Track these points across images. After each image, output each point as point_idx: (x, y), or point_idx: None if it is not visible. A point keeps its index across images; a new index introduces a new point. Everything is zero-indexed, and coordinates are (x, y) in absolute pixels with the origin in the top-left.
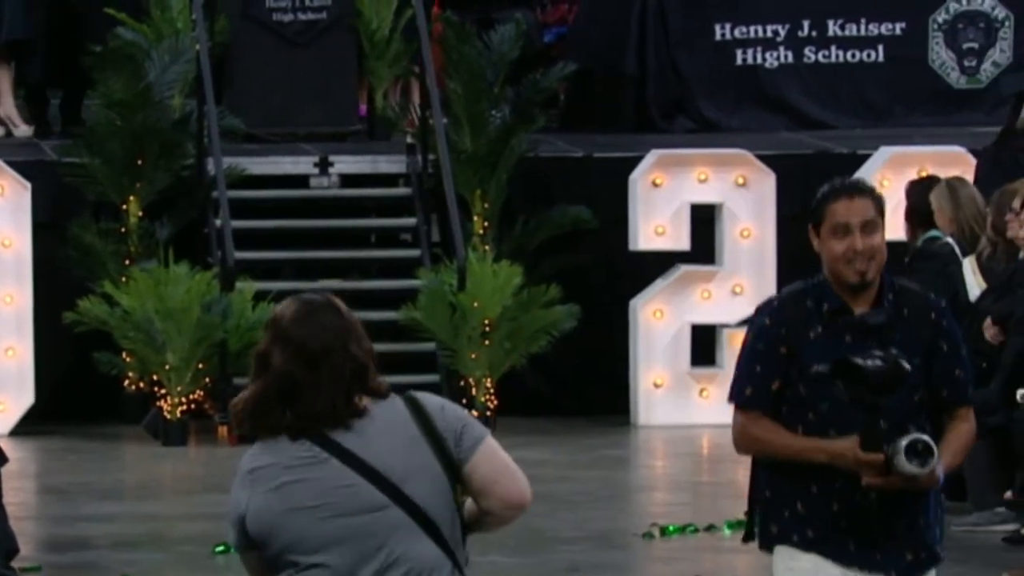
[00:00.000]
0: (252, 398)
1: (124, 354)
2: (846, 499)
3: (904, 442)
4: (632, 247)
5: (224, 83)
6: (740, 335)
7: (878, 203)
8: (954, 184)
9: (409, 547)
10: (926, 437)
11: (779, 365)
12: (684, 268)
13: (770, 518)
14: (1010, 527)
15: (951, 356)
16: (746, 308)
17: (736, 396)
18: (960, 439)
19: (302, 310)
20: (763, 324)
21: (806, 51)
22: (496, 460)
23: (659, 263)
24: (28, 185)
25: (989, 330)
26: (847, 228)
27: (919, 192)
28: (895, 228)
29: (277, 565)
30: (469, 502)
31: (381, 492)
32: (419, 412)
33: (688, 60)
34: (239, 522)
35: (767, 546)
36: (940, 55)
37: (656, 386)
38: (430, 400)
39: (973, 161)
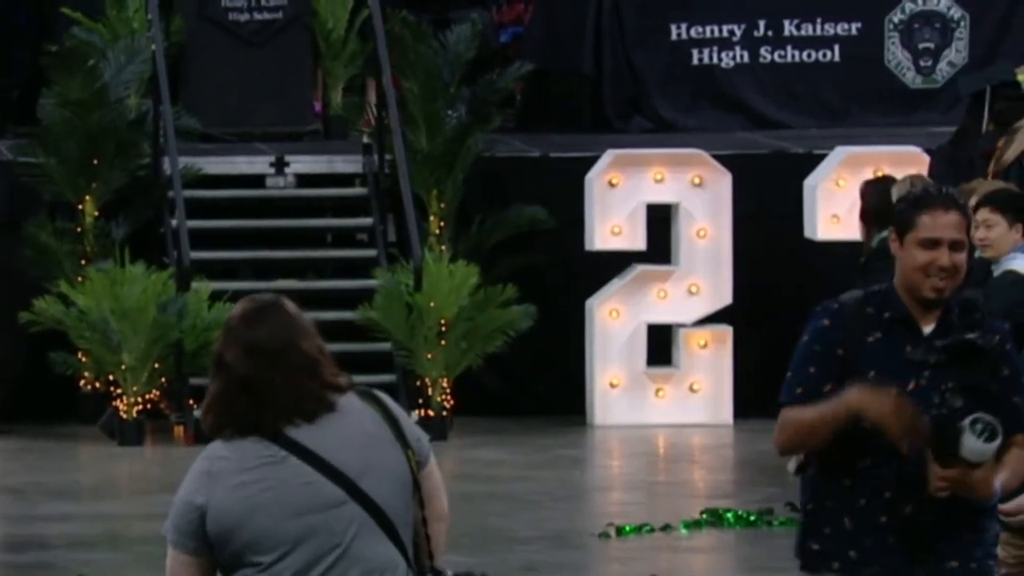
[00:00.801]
0: (211, 400)
1: (80, 354)
2: (896, 511)
3: (968, 420)
4: (588, 247)
5: (180, 83)
6: (696, 334)
7: (968, 219)
8: (916, 181)
9: (365, 545)
10: (989, 416)
11: (835, 368)
12: (640, 268)
13: (810, 534)
14: None
15: (1011, 381)
16: (702, 308)
17: (786, 396)
18: (1019, 463)
19: (250, 310)
20: (821, 326)
21: (762, 51)
22: (438, 474)
23: (615, 263)
24: None
25: None
26: (936, 243)
27: (874, 192)
28: (851, 228)
29: (236, 565)
30: None
31: (338, 487)
32: (385, 411)
33: (644, 60)
34: (191, 521)
35: (808, 569)
36: (896, 55)
37: (612, 386)
38: (390, 399)
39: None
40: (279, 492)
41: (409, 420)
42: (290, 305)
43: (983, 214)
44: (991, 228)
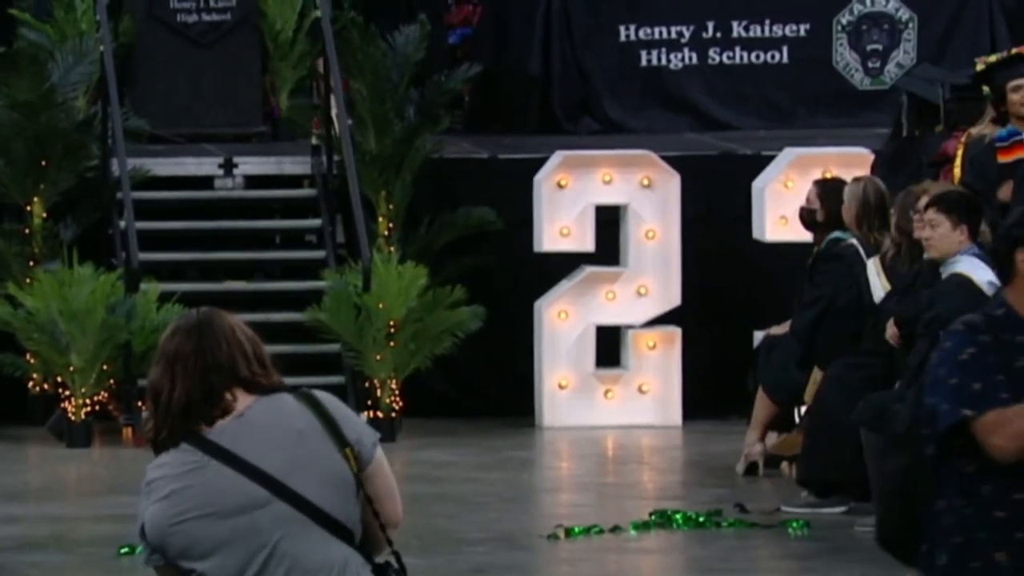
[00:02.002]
0: (146, 416)
1: (28, 355)
2: None
3: None
4: (537, 248)
5: (128, 84)
6: (645, 335)
7: None
8: (866, 181)
9: (297, 544)
10: None
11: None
12: (589, 269)
13: (955, 571)
14: None
15: None
16: (651, 309)
17: (969, 405)
18: None
19: (174, 326)
20: (978, 340)
21: (710, 52)
22: (386, 475)
23: (564, 264)
24: None
25: (890, 329)
26: None
27: (827, 194)
28: (800, 229)
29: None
30: None
31: (262, 488)
32: (319, 410)
33: (593, 61)
34: (141, 532)
35: None
36: (844, 56)
37: (561, 387)
38: (326, 396)
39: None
40: (203, 497)
41: (352, 420)
42: (220, 317)
43: (930, 214)
44: (935, 228)
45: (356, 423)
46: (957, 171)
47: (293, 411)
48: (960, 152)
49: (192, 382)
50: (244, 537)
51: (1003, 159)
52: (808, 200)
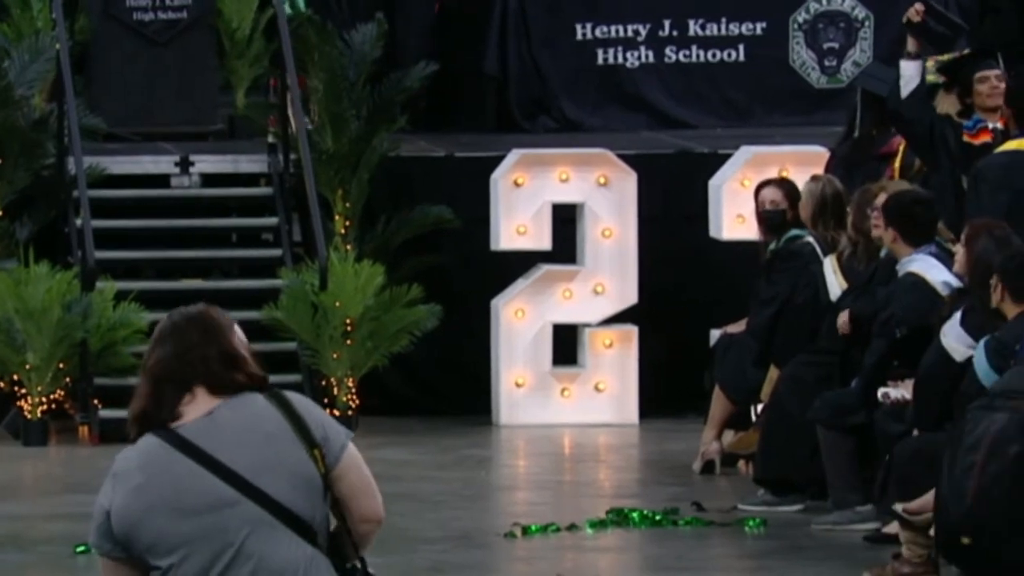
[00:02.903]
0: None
1: None
2: None
3: None
4: (494, 247)
5: (85, 82)
6: (601, 334)
7: None
8: (823, 180)
9: (263, 543)
10: None
11: None
12: (545, 268)
13: None
14: (870, 526)
15: None
16: (608, 308)
17: None
18: None
19: (174, 316)
20: None
21: (667, 51)
22: (359, 473)
23: (521, 263)
24: None
25: (841, 319)
26: None
27: (784, 193)
28: (756, 228)
29: (146, 569)
30: None
31: (230, 487)
32: (287, 408)
33: (550, 60)
34: (103, 523)
35: None
36: (801, 55)
37: (518, 385)
38: (297, 397)
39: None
40: (172, 493)
41: (321, 420)
42: (211, 313)
43: (876, 214)
44: (877, 229)
45: (325, 423)
46: (898, 163)
47: (263, 411)
48: (902, 147)
49: (156, 385)
50: (211, 535)
51: (969, 140)
52: (772, 201)
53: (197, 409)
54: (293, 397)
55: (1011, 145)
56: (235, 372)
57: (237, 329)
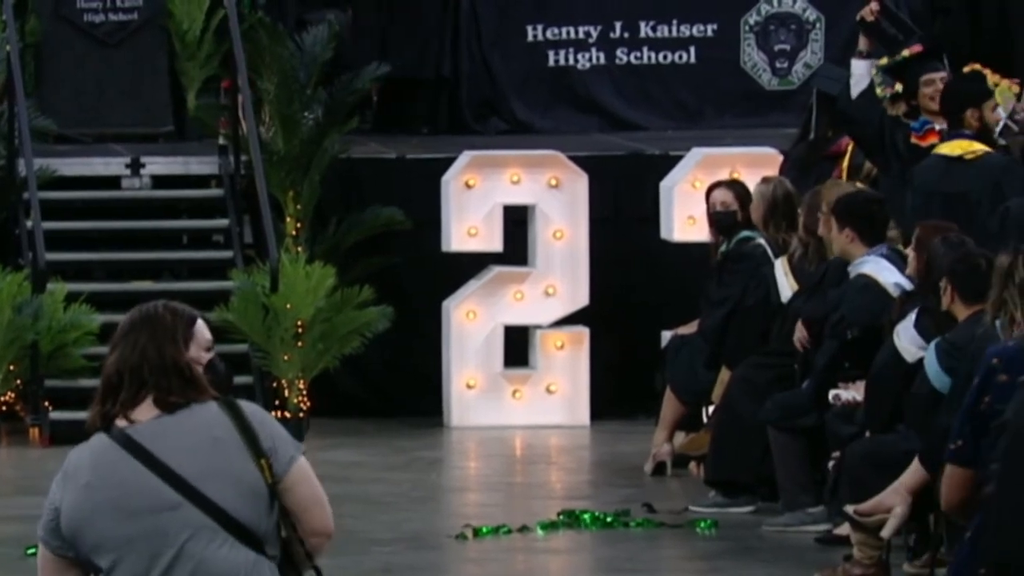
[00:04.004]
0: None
1: None
2: None
3: None
4: (445, 248)
5: (35, 84)
6: (553, 335)
7: None
8: (774, 182)
9: (203, 548)
10: None
11: None
12: (497, 269)
13: None
14: (822, 527)
15: None
16: (559, 309)
17: None
18: None
19: (132, 315)
20: None
21: (618, 52)
22: (309, 486)
23: (472, 264)
24: None
25: (799, 332)
26: None
27: (735, 194)
28: (707, 230)
29: (93, 571)
30: None
31: (174, 490)
32: (238, 417)
33: (501, 61)
34: (53, 520)
35: None
36: (752, 57)
37: (469, 387)
38: (250, 407)
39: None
40: (117, 493)
41: (271, 431)
42: (168, 312)
43: (831, 217)
44: (828, 230)
45: (275, 435)
46: (846, 163)
47: (213, 418)
48: (851, 147)
49: (107, 388)
50: (150, 537)
51: (918, 142)
52: (723, 203)
53: (150, 411)
54: (246, 406)
55: (942, 149)
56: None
57: (198, 329)
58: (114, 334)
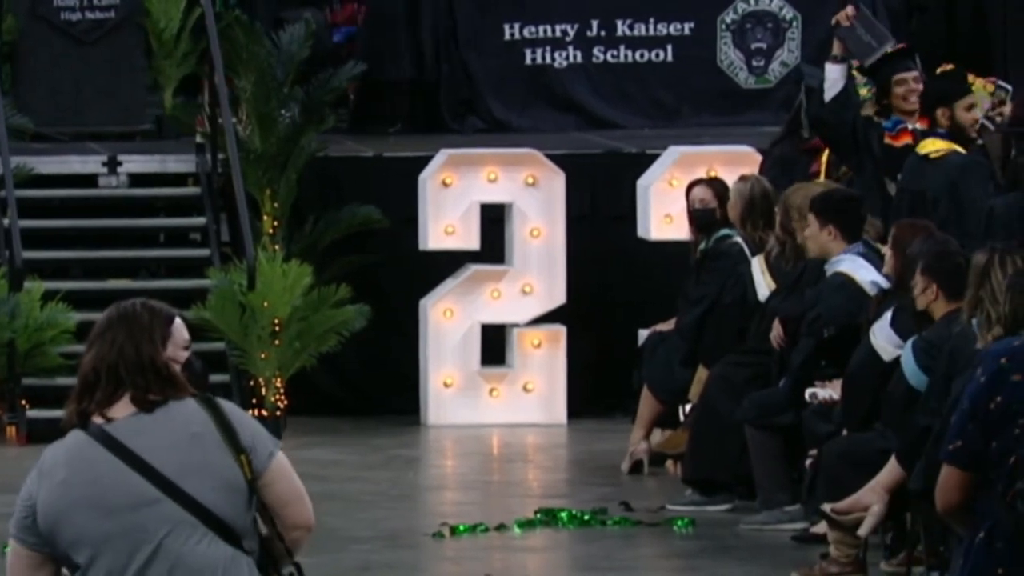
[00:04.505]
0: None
1: None
2: None
3: None
4: (422, 247)
5: (12, 82)
6: (530, 334)
7: None
8: (752, 180)
9: (182, 544)
10: None
11: None
12: (474, 268)
13: None
14: (799, 525)
15: None
16: (536, 308)
17: None
18: None
19: (110, 313)
20: None
21: (595, 51)
22: (289, 481)
23: (449, 263)
24: None
25: (775, 330)
26: None
27: (712, 192)
28: (684, 228)
29: (70, 567)
30: None
31: (153, 486)
32: (217, 414)
33: (478, 60)
34: (28, 516)
35: None
36: (728, 55)
37: (446, 386)
38: (229, 404)
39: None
40: (95, 489)
41: (250, 427)
42: (146, 310)
43: (809, 215)
44: (808, 227)
45: (254, 431)
46: (825, 157)
47: (192, 414)
48: None
49: (84, 385)
50: (128, 533)
51: (891, 142)
52: (702, 200)
53: (127, 409)
54: (225, 404)
55: (918, 147)
56: (155, 384)
57: (176, 327)
58: (91, 332)
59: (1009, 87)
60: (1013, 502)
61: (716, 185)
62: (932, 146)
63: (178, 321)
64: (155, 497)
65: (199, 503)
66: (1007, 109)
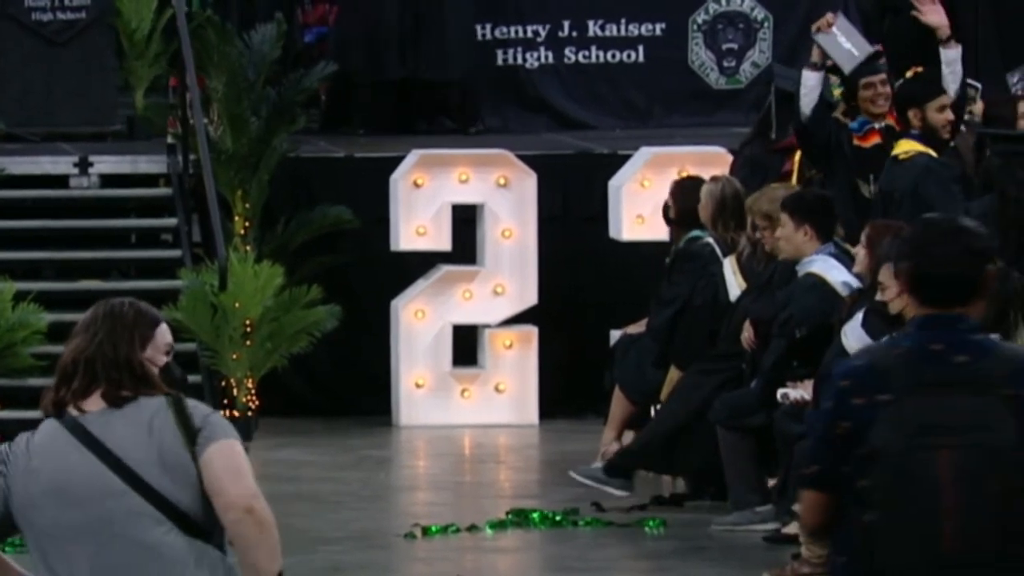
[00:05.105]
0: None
1: None
2: None
3: None
4: (393, 247)
5: None
6: (501, 335)
7: None
8: (723, 181)
9: (147, 534)
10: None
11: None
12: (445, 268)
13: None
14: (770, 526)
15: None
16: (508, 308)
17: None
18: None
19: (97, 309)
20: None
21: (567, 51)
22: (226, 460)
23: (420, 263)
24: None
25: (746, 331)
26: None
27: (682, 193)
28: (656, 228)
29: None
30: None
31: (119, 478)
32: (179, 408)
33: (449, 61)
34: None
35: None
36: (700, 56)
37: (418, 386)
38: (194, 402)
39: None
40: (63, 478)
41: (206, 415)
42: (133, 310)
43: (783, 216)
44: (781, 229)
45: (210, 419)
46: (798, 156)
47: (155, 409)
48: None
49: (63, 377)
50: (94, 523)
51: (860, 143)
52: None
53: (98, 404)
54: (192, 401)
55: (894, 149)
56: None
57: (160, 332)
58: (78, 323)
59: (979, 85)
60: (866, 535)
61: (679, 183)
62: (902, 147)
63: (163, 326)
64: (121, 489)
65: (160, 495)
66: (977, 107)
